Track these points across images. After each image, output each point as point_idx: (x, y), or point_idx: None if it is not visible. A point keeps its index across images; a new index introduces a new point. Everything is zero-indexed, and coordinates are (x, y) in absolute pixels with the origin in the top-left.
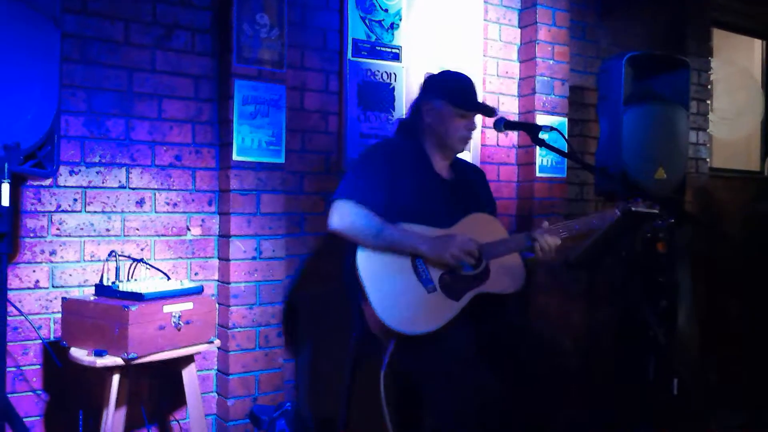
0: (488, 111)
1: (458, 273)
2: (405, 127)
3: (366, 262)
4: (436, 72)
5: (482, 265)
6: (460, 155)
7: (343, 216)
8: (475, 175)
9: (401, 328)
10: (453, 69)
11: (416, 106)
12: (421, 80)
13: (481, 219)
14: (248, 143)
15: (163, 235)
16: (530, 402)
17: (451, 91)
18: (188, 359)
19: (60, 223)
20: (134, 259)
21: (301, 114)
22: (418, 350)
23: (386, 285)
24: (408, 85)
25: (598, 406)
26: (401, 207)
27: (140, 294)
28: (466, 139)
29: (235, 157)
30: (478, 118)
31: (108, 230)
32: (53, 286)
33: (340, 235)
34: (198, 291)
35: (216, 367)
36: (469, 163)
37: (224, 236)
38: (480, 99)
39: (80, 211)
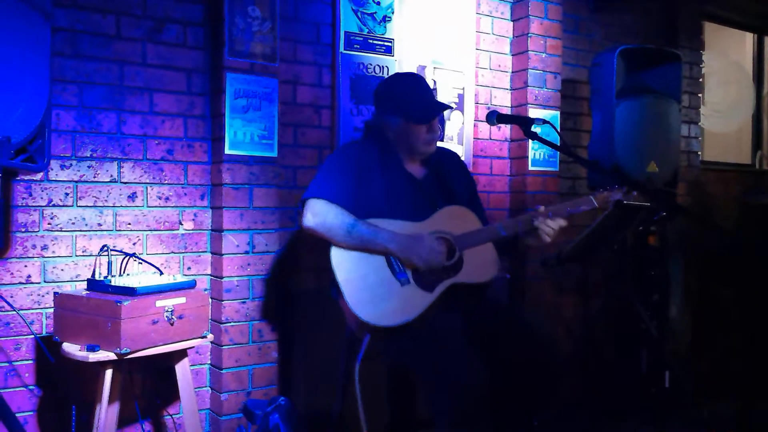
0: (445, 109)
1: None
2: (372, 131)
3: (340, 257)
4: (385, 80)
5: (456, 256)
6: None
7: (316, 214)
8: (448, 162)
9: (375, 321)
10: (400, 73)
11: (376, 119)
12: (374, 91)
13: (455, 211)
14: (240, 137)
15: (155, 230)
16: (518, 391)
17: (404, 107)
18: (181, 354)
19: (51, 218)
20: (126, 254)
21: (294, 108)
22: (396, 341)
23: (359, 279)
24: None
25: (591, 396)
26: (371, 206)
27: (133, 288)
28: (432, 141)
29: (227, 150)
30: (469, 112)
31: (100, 225)
32: (45, 281)
33: (313, 233)
34: (191, 285)
35: (209, 362)
36: (442, 150)
37: (217, 230)
38: (434, 94)
39: (72, 206)
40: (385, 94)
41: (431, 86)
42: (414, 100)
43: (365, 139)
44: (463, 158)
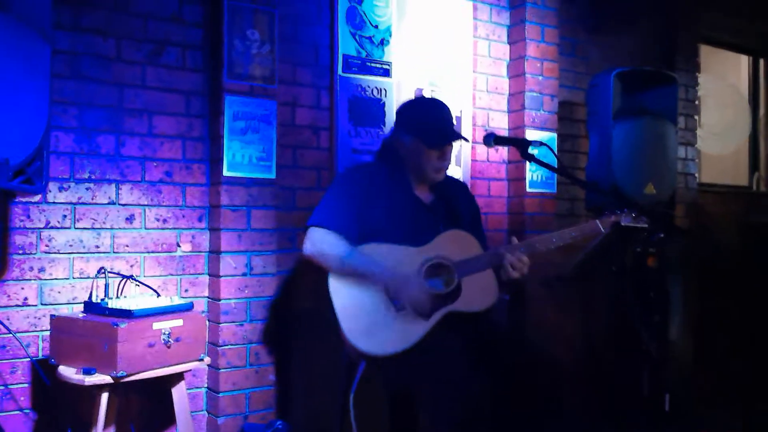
0: (459, 138)
1: (430, 292)
2: (387, 150)
3: (337, 283)
4: (410, 100)
5: (454, 283)
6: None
7: (314, 243)
8: (457, 191)
9: (370, 349)
10: (425, 97)
11: (392, 136)
12: (397, 108)
13: (456, 236)
14: (239, 159)
15: (152, 252)
16: (515, 411)
17: (420, 128)
18: (178, 377)
19: (49, 240)
20: (124, 276)
21: (293, 129)
22: (393, 368)
23: (355, 306)
24: (398, 101)
25: (590, 417)
26: (376, 229)
27: (129, 311)
28: (441, 169)
29: (225, 172)
30: (467, 134)
31: (97, 247)
32: (42, 304)
33: (312, 261)
34: (188, 308)
35: (206, 385)
36: (451, 179)
37: (214, 252)
38: (453, 124)
39: (69, 228)
40: (405, 113)
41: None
42: (431, 124)
43: (378, 158)
44: (461, 180)
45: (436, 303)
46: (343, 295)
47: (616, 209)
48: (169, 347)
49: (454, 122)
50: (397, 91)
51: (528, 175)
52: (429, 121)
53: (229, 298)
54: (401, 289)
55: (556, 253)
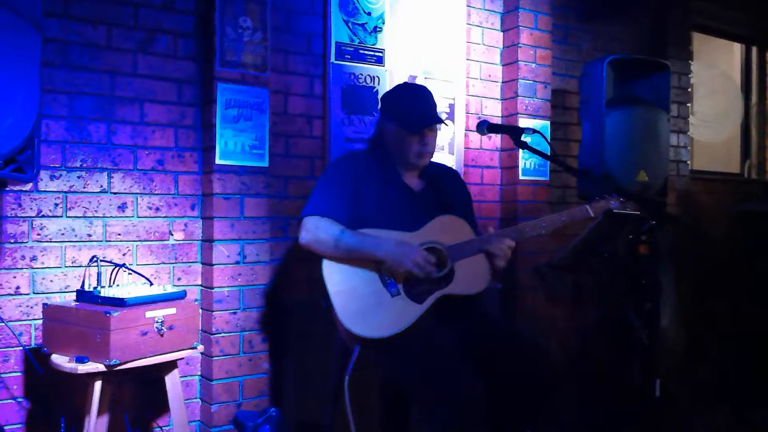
0: (438, 122)
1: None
2: (375, 139)
3: (330, 268)
4: (391, 88)
5: (448, 267)
6: (433, 159)
7: (308, 230)
8: (447, 178)
9: (364, 332)
10: (407, 83)
11: (377, 125)
12: (381, 96)
13: (448, 221)
14: (231, 147)
15: (145, 240)
16: (513, 404)
17: (399, 113)
18: (171, 365)
19: (41, 229)
20: (116, 265)
21: (285, 118)
22: (387, 353)
23: (349, 290)
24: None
25: (583, 407)
26: (367, 217)
27: (122, 299)
28: (424, 154)
29: (218, 160)
30: (460, 121)
31: (89, 235)
32: (34, 293)
33: (309, 249)
34: (181, 296)
35: (199, 373)
36: (441, 166)
37: (207, 241)
38: (434, 109)
39: (61, 216)
40: (387, 100)
41: (435, 102)
42: (410, 109)
43: (368, 147)
44: (454, 167)
45: (429, 287)
46: (336, 279)
47: (605, 194)
48: (162, 335)
49: (437, 107)
50: (390, 78)
51: (521, 163)
52: (408, 106)
53: (222, 287)
54: (405, 251)
55: (548, 240)
